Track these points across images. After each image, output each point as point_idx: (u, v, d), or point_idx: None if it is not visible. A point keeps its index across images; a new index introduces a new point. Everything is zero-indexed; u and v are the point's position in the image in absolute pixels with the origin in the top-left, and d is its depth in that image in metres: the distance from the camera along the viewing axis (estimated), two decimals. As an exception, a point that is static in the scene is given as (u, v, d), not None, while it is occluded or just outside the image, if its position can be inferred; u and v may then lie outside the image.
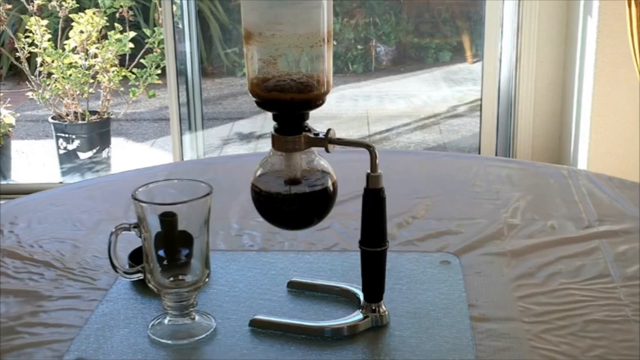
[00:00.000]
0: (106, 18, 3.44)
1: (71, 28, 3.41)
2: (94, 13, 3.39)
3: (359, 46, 4.26)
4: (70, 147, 3.47)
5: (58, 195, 1.30)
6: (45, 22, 3.39)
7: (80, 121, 3.48)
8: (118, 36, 3.40)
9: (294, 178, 0.86)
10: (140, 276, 0.90)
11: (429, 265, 1.01)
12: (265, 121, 3.77)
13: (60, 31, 3.43)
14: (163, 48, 3.06)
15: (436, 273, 1.00)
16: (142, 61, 3.50)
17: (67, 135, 3.48)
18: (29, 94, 3.50)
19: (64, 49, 3.39)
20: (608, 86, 2.50)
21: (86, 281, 1.00)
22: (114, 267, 0.89)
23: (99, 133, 3.56)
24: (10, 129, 3.49)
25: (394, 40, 4.27)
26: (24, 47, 3.37)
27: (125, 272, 0.91)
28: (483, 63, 2.90)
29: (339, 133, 0.84)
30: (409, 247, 1.07)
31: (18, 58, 3.42)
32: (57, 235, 1.12)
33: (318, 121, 0.83)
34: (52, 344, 0.87)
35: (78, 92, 3.44)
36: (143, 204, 0.85)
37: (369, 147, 0.83)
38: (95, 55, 3.41)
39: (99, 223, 1.16)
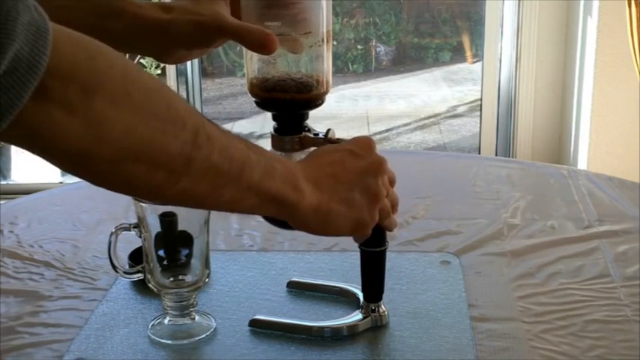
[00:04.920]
0: (106, 18, 3.44)
1: (71, 28, 3.41)
2: (94, 13, 3.38)
3: (359, 46, 4.26)
4: (70, 147, 3.46)
5: (58, 195, 1.30)
6: (45, 22, 3.39)
7: (80, 121, 3.47)
8: (118, 36, 3.39)
9: (294, 178, 0.85)
10: (140, 276, 0.90)
11: (429, 265, 1.01)
12: (265, 121, 3.77)
13: (60, 31, 3.42)
14: (163, 48, 3.05)
15: (436, 273, 1.00)
16: (142, 61, 3.50)
17: (67, 135, 3.47)
18: (29, 94, 3.49)
19: (64, 49, 3.38)
20: (608, 86, 2.50)
21: (86, 281, 1.00)
22: (114, 267, 0.89)
23: (99, 133, 3.56)
24: (10, 129, 3.49)
25: (394, 40, 4.27)
26: (24, 47, 3.36)
27: (125, 272, 0.91)
28: (483, 63, 2.90)
29: (339, 133, 0.83)
30: (409, 247, 1.06)
31: (18, 58, 3.42)
32: (57, 235, 1.12)
33: (317, 121, 0.83)
34: (52, 344, 0.87)
35: (78, 92, 3.43)
36: (143, 204, 0.85)
37: (369, 147, 0.83)
38: (95, 55, 3.40)
39: (99, 223, 1.16)
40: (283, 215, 0.73)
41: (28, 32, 0.50)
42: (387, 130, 3.76)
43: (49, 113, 0.54)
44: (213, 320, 0.90)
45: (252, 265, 1.03)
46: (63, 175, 3.45)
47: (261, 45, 0.76)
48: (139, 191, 0.67)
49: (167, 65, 3.00)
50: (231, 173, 0.66)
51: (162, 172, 0.61)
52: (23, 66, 0.50)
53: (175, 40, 0.79)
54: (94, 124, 0.56)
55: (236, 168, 0.66)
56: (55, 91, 0.53)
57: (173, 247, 0.89)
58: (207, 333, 0.88)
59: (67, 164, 0.58)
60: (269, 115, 0.84)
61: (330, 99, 0.83)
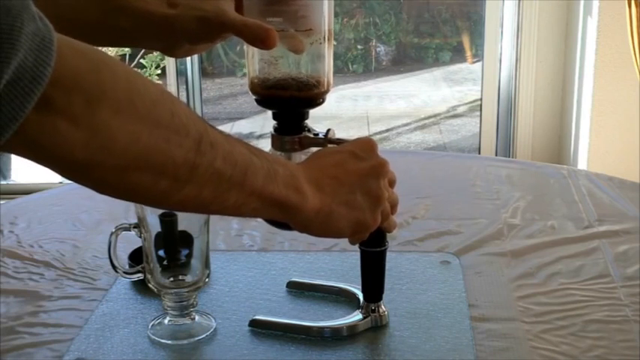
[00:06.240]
0: (106, 18, 3.43)
1: (71, 28, 3.41)
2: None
3: (359, 46, 4.26)
4: (70, 147, 3.45)
5: (58, 195, 1.30)
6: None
7: (80, 121, 3.46)
8: (118, 36, 3.39)
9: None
10: (140, 276, 0.90)
11: (429, 265, 1.01)
12: (265, 121, 3.77)
13: (60, 31, 3.42)
14: (163, 48, 3.05)
15: (436, 273, 1.00)
16: (141, 61, 3.50)
17: (67, 135, 3.47)
18: (29, 94, 3.49)
19: (64, 49, 3.38)
20: (608, 86, 2.50)
21: (86, 281, 1.00)
22: (114, 267, 0.89)
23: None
24: (10, 129, 3.48)
25: (394, 40, 4.27)
26: (24, 47, 3.36)
27: (125, 272, 0.91)
28: (483, 63, 2.89)
29: (339, 133, 0.83)
30: (409, 247, 1.06)
31: (18, 58, 3.42)
32: (57, 235, 1.12)
33: (317, 121, 0.83)
34: (52, 344, 0.87)
35: (78, 92, 3.43)
36: (143, 204, 0.85)
37: (369, 147, 0.83)
38: (95, 55, 3.40)
39: (99, 223, 1.16)
40: (286, 218, 0.73)
41: (32, 42, 0.50)
42: (387, 130, 3.76)
43: (52, 124, 0.53)
44: (213, 320, 0.90)
45: (252, 265, 1.03)
46: (63, 175, 3.44)
47: (260, 40, 0.76)
48: (143, 199, 0.67)
49: (167, 65, 3.00)
50: (234, 178, 0.66)
51: (167, 180, 0.61)
52: (27, 76, 0.50)
53: (181, 35, 0.79)
54: (98, 134, 0.56)
55: (239, 173, 0.66)
56: (59, 102, 0.53)
57: (173, 247, 0.89)
58: (207, 333, 0.88)
59: (70, 173, 0.58)
60: (269, 115, 0.84)
61: (330, 99, 0.83)
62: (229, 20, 0.77)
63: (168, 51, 0.83)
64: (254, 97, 0.83)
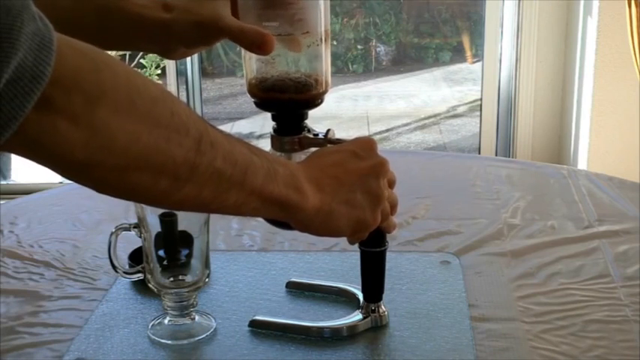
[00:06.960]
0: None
1: (71, 28, 3.40)
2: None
3: (359, 46, 4.25)
4: (70, 147, 3.44)
5: (58, 195, 1.30)
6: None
7: (80, 121, 3.46)
8: (118, 36, 3.39)
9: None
10: (140, 276, 0.90)
11: (429, 265, 1.01)
12: (265, 121, 3.77)
13: (60, 31, 3.42)
14: (163, 48, 3.05)
15: (436, 273, 1.00)
16: (141, 61, 3.50)
17: (67, 135, 3.46)
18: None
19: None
20: (608, 86, 2.50)
21: (86, 281, 1.00)
22: (114, 267, 0.89)
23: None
24: (10, 129, 3.48)
25: (394, 40, 4.27)
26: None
27: (125, 272, 0.91)
28: (483, 63, 2.89)
29: (339, 133, 0.83)
30: (409, 247, 1.06)
31: (18, 58, 3.41)
32: (57, 235, 1.12)
33: (317, 121, 0.83)
34: (52, 344, 0.87)
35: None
36: (143, 204, 0.85)
37: (368, 147, 0.83)
38: (95, 55, 3.40)
39: (99, 223, 1.16)
40: (286, 217, 0.73)
41: (32, 42, 0.50)
42: (387, 130, 3.76)
43: (52, 123, 0.53)
44: (213, 320, 0.90)
45: (252, 265, 1.03)
46: (63, 175, 3.44)
47: (257, 45, 0.76)
48: (143, 198, 0.67)
49: (167, 65, 3.00)
50: (234, 178, 0.66)
51: (167, 180, 0.62)
52: (27, 76, 0.50)
53: (177, 39, 0.80)
54: (98, 134, 0.56)
55: (239, 172, 0.66)
56: (59, 101, 0.53)
57: (173, 247, 0.89)
58: (207, 333, 0.88)
59: (70, 173, 0.58)
60: (269, 115, 0.84)
61: (330, 99, 0.83)
62: (226, 26, 0.77)
63: (164, 53, 0.84)
64: (253, 100, 0.83)
